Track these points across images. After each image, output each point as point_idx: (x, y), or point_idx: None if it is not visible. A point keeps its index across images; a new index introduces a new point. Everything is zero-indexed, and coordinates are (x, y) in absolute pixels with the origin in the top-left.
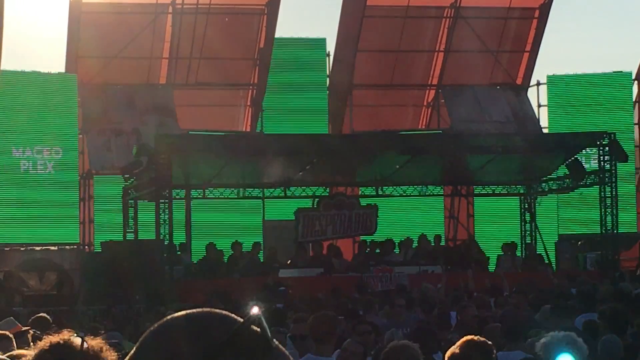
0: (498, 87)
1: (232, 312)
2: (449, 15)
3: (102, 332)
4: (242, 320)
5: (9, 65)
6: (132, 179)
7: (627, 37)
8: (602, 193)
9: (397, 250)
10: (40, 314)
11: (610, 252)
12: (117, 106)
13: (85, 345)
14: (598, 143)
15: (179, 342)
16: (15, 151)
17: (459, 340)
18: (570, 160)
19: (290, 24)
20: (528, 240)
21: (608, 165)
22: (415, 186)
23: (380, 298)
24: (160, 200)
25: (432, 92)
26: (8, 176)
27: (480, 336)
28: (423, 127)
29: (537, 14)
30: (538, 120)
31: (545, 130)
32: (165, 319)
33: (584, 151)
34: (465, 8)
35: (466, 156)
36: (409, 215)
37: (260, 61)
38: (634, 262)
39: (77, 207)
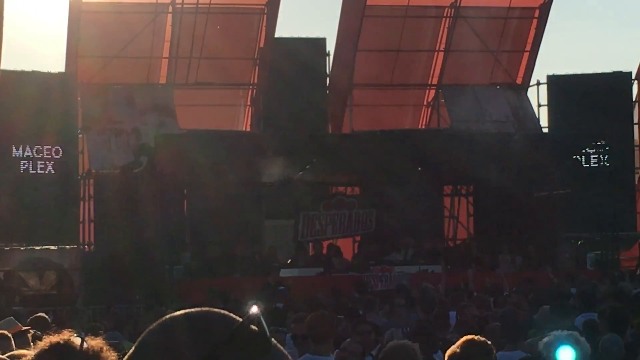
0: (498, 86)
1: (231, 312)
2: (449, 14)
3: (101, 331)
4: (241, 319)
5: (8, 64)
6: (132, 179)
7: (627, 37)
8: (602, 192)
9: (396, 250)
10: (39, 314)
11: (610, 252)
12: (117, 106)
13: (85, 345)
14: (598, 143)
15: (178, 341)
16: (15, 151)
17: (458, 340)
18: (569, 159)
19: (290, 24)
20: (528, 239)
21: (608, 165)
22: (415, 186)
23: (380, 298)
24: (160, 200)
25: (432, 92)
26: (8, 176)
27: (481, 336)
28: (423, 126)
29: (537, 13)
30: (538, 119)
31: (545, 130)
32: (164, 318)
33: (583, 151)
34: (465, 8)
35: (466, 156)
36: (408, 215)
37: (260, 61)
38: (633, 261)
39: (77, 207)
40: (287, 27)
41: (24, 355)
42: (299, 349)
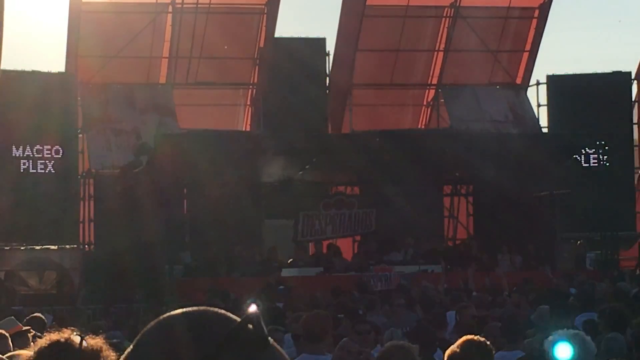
0: (498, 86)
1: (231, 311)
2: (448, 14)
3: (101, 331)
4: (239, 319)
5: (9, 64)
6: (132, 178)
7: (627, 37)
8: (602, 192)
9: (396, 250)
10: (35, 314)
11: (609, 251)
12: (117, 105)
13: (84, 343)
14: (597, 143)
15: (176, 340)
16: (15, 151)
17: (457, 340)
18: (569, 159)
19: (290, 24)
20: (528, 239)
21: (607, 165)
22: (415, 185)
23: (381, 297)
24: (160, 199)
25: (432, 92)
26: (8, 175)
27: (481, 336)
28: (423, 126)
29: (536, 13)
30: (537, 119)
31: (544, 130)
32: (162, 317)
33: (583, 151)
34: (465, 7)
35: (466, 155)
36: (408, 214)
37: (260, 60)
38: (633, 261)
39: (77, 207)
40: (287, 26)
41: (23, 355)
42: (298, 348)
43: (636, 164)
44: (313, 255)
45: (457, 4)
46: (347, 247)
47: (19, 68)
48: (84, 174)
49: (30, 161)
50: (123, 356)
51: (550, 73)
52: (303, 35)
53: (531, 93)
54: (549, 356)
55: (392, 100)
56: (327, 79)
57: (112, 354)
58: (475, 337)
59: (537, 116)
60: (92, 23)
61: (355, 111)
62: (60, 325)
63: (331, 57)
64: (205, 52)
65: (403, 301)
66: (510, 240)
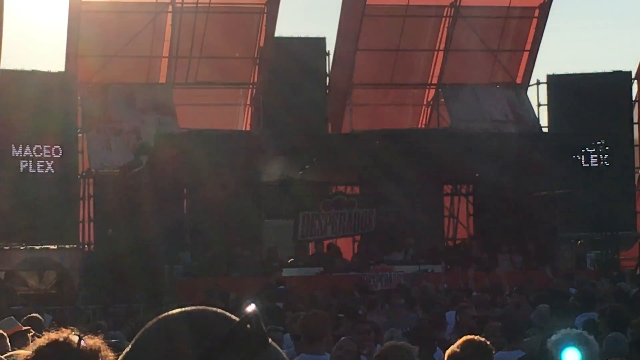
0: (498, 86)
1: (230, 311)
2: (448, 14)
3: (99, 331)
4: (238, 318)
5: (8, 64)
6: (131, 178)
7: (627, 36)
8: (602, 192)
9: (396, 250)
10: (32, 315)
11: (610, 251)
12: (116, 105)
13: (82, 343)
14: (597, 142)
15: (175, 339)
16: (15, 150)
17: (457, 340)
18: (569, 159)
19: (290, 23)
20: (527, 239)
21: (607, 164)
22: (415, 185)
23: (381, 297)
24: (160, 199)
25: (432, 91)
26: (8, 175)
27: (481, 336)
28: (423, 126)
29: (537, 13)
30: (538, 119)
31: (544, 130)
32: (160, 317)
33: (583, 150)
34: (465, 7)
35: (466, 155)
36: (408, 214)
37: (260, 60)
38: (633, 261)
39: (77, 206)
40: (287, 26)
41: (22, 355)
42: (297, 348)
43: (636, 164)
44: (313, 255)
45: (457, 4)
46: (347, 247)
47: (19, 68)
48: (84, 173)
49: (30, 161)
50: (122, 356)
51: (551, 73)
52: (303, 35)
53: (531, 93)
54: (555, 358)
55: (392, 100)
56: (327, 78)
57: (110, 354)
58: (475, 337)
59: (537, 116)
60: (92, 23)
61: (355, 111)
62: (60, 325)
63: (331, 56)
64: (205, 52)
65: (402, 301)
66: (510, 240)
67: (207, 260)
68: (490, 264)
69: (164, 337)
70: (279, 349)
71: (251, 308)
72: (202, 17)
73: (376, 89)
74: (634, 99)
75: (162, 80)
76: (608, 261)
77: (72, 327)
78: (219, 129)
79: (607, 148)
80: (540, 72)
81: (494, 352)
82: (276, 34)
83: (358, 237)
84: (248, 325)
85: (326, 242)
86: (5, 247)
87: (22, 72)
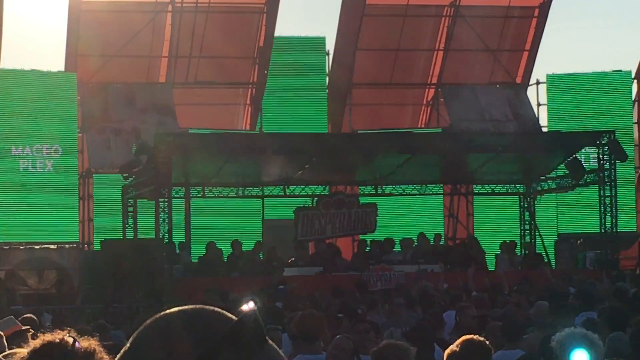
0: (497, 85)
1: (230, 311)
2: (448, 14)
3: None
4: (236, 316)
5: (8, 63)
6: (131, 178)
7: (627, 36)
8: (602, 192)
9: (396, 249)
10: (27, 315)
11: (609, 251)
12: (116, 105)
13: (77, 345)
14: (597, 142)
15: (174, 338)
16: (15, 150)
17: (456, 339)
18: (569, 159)
19: (289, 23)
20: (527, 239)
21: (607, 164)
22: (414, 185)
23: (380, 297)
24: (160, 199)
25: (432, 91)
26: (7, 175)
27: (481, 335)
28: (422, 125)
29: (536, 12)
30: (537, 119)
31: (544, 129)
32: (158, 316)
33: (583, 150)
34: (464, 7)
35: (465, 155)
36: (408, 214)
37: (260, 60)
38: (633, 261)
39: (77, 206)
40: (287, 26)
41: (20, 354)
42: (295, 348)
43: (636, 164)
44: (313, 254)
45: (457, 3)
46: (346, 246)
47: (19, 67)
48: (84, 173)
49: (30, 160)
50: (120, 354)
51: (550, 72)
52: (303, 35)
53: (531, 92)
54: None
55: (392, 100)
56: (327, 78)
57: (105, 355)
58: (475, 337)
59: (537, 115)
60: (92, 22)
61: (355, 110)
62: (59, 325)
63: (331, 56)
64: (204, 52)
65: (402, 301)
66: (510, 239)
67: (207, 259)
68: (489, 263)
69: (162, 336)
70: (276, 348)
71: (250, 306)
72: (202, 16)
73: (376, 88)
74: (633, 98)
75: (162, 80)
76: (607, 261)
77: (68, 328)
78: (218, 129)
79: (606, 148)
80: (539, 71)
81: (493, 351)
82: (276, 34)
83: (357, 237)
84: (248, 323)
85: (326, 242)
86: (5, 247)
87: (22, 71)
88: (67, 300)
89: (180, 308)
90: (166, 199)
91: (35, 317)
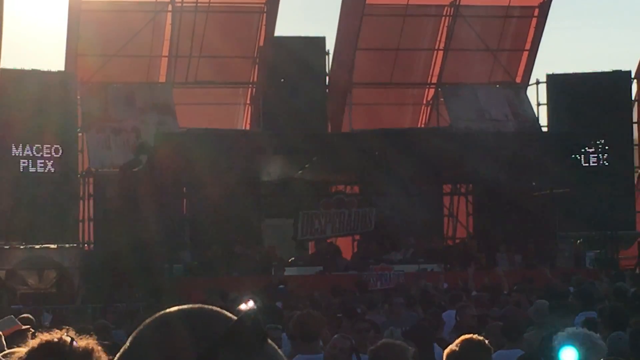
0: (497, 85)
1: (229, 310)
2: (448, 13)
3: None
4: (236, 316)
5: (8, 63)
6: (131, 177)
7: (627, 36)
8: (601, 191)
9: (396, 249)
10: (24, 315)
11: (609, 250)
12: (116, 104)
13: (75, 344)
14: (597, 142)
15: (174, 337)
16: (15, 149)
17: (455, 339)
18: (569, 158)
19: (289, 23)
20: (527, 238)
21: (607, 164)
22: (414, 184)
23: (380, 296)
24: (160, 198)
25: (432, 91)
26: (8, 174)
27: (482, 335)
28: (422, 125)
29: (536, 12)
30: (537, 118)
31: (544, 129)
32: (158, 315)
33: (583, 150)
34: (464, 7)
35: (465, 154)
36: (408, 213)
37: (260, 59)
38: (633, 260)
39: (77, 206)
40: (287, 25)
41: (17, 354)
42: (293, 348)
43: (636, 163)
44: (313, 254)
45: (457, 3)
46: (346, 246)
47: (19, 67)
48: (84, 173)
49: (30, 160)
50: (119, 353)
51: (550, 72)
52: (303, 34)
53: (531, 92)
54: (553, 356)
55: (392, 99)
56: (327, 78)
57: (103, 354)
58: (474, 336)
59: (536, 115)
60: (92, 22)
61: (354, 110)
62: (59, 324)
63: (331, 56)
64: (205, 51)
65: (402, 300)
66: (509, 239)
67: (207, 259)
68: (489, 263)
69: (162, 336)
70: (276, 347)
71: (249, 305)
72: (202, 16)
73: (376, 88)
74: (633, 98)
75: (162, 79)
76: (607, 260)
77: (67, 327)
78: (218, 129)
79: (606, 147)
80: (539, 71)
81: (492, 351)
82: (276, 34)
83: (357, 237)
84: (247, 322)
85: (326, 242)
86: (5, 246)
87: (22, 71)
88: (67, 300)
89: (179, 307)
90: (166, 199)
91: (32, 317)
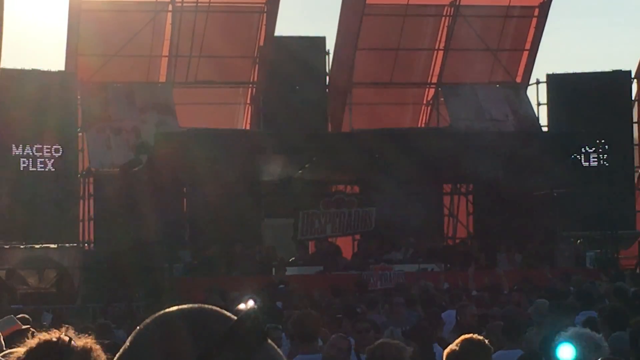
0: (497, 85)
1: (229, 310)
2: (448, 13)
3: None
4: (236, 316)
5: (8, 63)
6: (131, 177)
7: (627, 35)
8: (602, 191)
9: (396, 249)
10: (21, 315)
11: (609, 250)
12: (116, 104)
13: (73, 343)
14: (597, 141)
15: (174, 337)
16: (15, 149)
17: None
18: (569, 158)
19: (290, 22)
20: (527, 238)
21: (607, 164)
22: (414, 184)
23: (381, 296)
24: (160, 198)
25: (432, 91)
26: (8, 174)
27: (482, 335)
28: (422, 125)
29: (536, 12)
30: (537, 118)
31: (544, 129)
32: (158, 314)
33: (583, 149)
34: (464, 6)
35: (465, 154)
36: (408, 213)
37: (260, 59)
38: (633, 260)
39: (77, 205)
40: (287, 25)
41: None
42: (292, 347)
43: (636, 163)
44: (313, 254)
45: (457, 3)
46: (346, 245)
47: (19, 67)
48: (84, 172)
49: (30, 160)
50: (119, 353)
51: (550, 72)
52: (303, 34)
53: (531, 92)
54: (551, 355)
55: (392, 99)
56: (327, 77)
57: (102, 354)
58: (474, 336)
59: (537, 115)
60: (92, 22)
61: (355, 110)
62: (59, 324)
63: (331, 55)
64: (205, 51)
65: (402, 300)
66: (509, 239)
67: (207, 259)
68: (489, 262)
69: (162, 335)
70: (275, 347)
71: (250, 305)
72: (202, 16)
73: (376, 88)
74: (633, 98)
75: (162, 79)
76: (607, 260)
77: (66, 326)
78: (218, 128)
79: (606, 147)
80: (539, 71)
81: (492, 350)
82: (276, 33)
83: (357, 236)
84: (248, 322)
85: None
86: (5, 246)
87: (22, 71)
88: (67, 300)
89: (180, 307)
90: (166, 198)
91: (28, 317)
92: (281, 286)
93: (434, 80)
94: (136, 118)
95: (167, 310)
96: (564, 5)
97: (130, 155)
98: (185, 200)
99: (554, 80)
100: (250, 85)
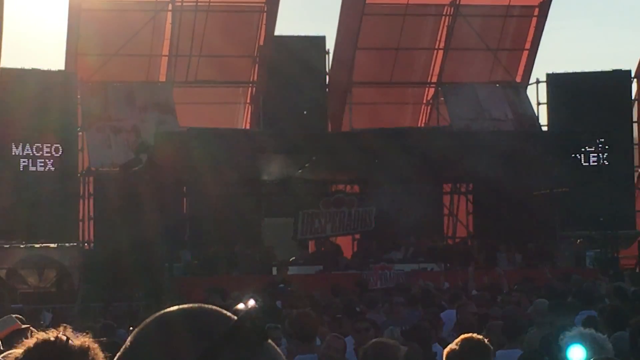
0: (497, 85)
1: (229, 309)
2: (448, 13)
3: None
4: (236, 316)
5: (8, 62)
6: (131, 177)
7: (627, 35)
8: (601, 191)
9: (396, 248)
10: (16, 315)
11: (609, 250)
12: (116, 103)
13: (70, 342)
14: (597, 141)
15: (174, 337)
16: (15, 148)
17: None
18: (569, 158)
19: (290, 22)
20: (527, 238)
21: (607, 163)
22: (414, 184)
23: (380, 296)
24: (160, 198)
25: (432, 90)
26: (8, 173)
27: (482, 334)
28: (422, 124)
29: (536, 12)
30: (537, 118)
31: (544, 128)
32: (158, 314)
33: (583, 149)
34: (464, 6)
35: (465, 154)
36: (408, 213)
37: (260, 59)
38: (633, 260)
39: (77, 205)
40: (287, 25)
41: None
42: (291, 347)
43: (636, 163)
44: (313, 253)
45: (457, 2)
46: (346, 245)
47: (19, 66)
48: (84, 172)
49: (30, 159)
50: (119, 353)
51: (550, 71)
52: (303, 34)
53: (531, 91)
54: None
55: (392, 99)
56: (327, 77)
57: (100, 353)
58: (474, 335)
59: (536, 114)
60: (92, 21)
61: (355, 109)
62: (59, 323)
63: (331, 55)
64: (205, 51)
65: (402, 299)
66: (509, 238)
67: (207, 258)
68: (489, 262)
69: (162, 335)
70: (275, 347)
71: (250, 303)
72: (202, 15)
73: (376, 87)
74: (633, 97)
75: (162, 78)
76: (607, 260)
77: (64, 325)
78: (219, 128)
79: (606, 146)
80: (539, 70)
81: (492, 350)
82: (276, 33)
83: (357, 236)
84: (248, 321)
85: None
86: (5, 245)
87: (22, 70)
88: (67, 299)
89: (180, 307)
90: (166, 198)
91: (23, 317)
92: (281, 285)
93: (434, 79)
94: (136, 117)
95: (167, 310)
96: (564, 4)
97: (130, 155)
98: (185, 200)
99: (553, 80)
100: (250, 85)
